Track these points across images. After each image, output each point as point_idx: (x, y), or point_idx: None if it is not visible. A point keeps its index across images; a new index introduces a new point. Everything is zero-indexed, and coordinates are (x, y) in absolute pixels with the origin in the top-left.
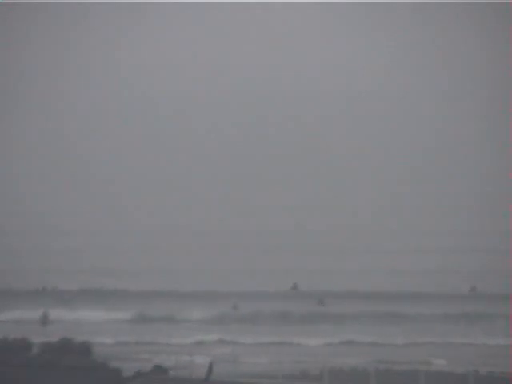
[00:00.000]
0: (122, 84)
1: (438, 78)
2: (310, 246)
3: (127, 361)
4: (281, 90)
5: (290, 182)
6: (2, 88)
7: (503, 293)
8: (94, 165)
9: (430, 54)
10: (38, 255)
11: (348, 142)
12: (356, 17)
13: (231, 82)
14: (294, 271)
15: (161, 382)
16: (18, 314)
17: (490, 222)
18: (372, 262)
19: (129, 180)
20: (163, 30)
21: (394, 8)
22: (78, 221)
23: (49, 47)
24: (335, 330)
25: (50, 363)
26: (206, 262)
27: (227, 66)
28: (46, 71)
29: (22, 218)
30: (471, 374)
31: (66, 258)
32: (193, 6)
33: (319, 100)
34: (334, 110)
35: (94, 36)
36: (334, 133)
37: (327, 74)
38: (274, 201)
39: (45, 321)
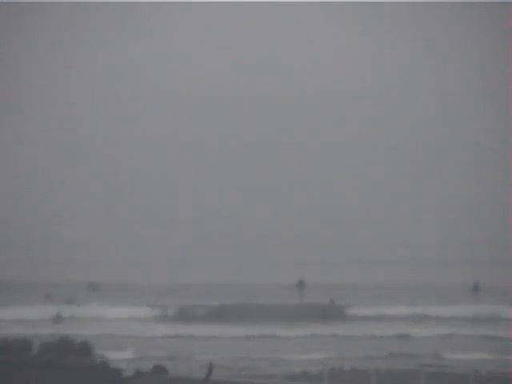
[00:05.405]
0: (123, 84)
1: (437, 79)
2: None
3: None
4: (280, 89)
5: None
6: (2, 88)
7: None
8: (95, 165)
9: (430, 54)
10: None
11: (348, 143)
12: (355, 16)
13: (232, 81)
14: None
15: (161, 381)
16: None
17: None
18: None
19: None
20: (169, 28)
21: (393, 8)
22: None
23: (50, 47)
24: None
25: (50, 363)
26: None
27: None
28: (46, 71)
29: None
30: (471, 374)
31: None
32: (194, 6)
33: (318, 100)
34: (333, 110)
35: (95, 36)
36: (333, 133)
37: (326, 74)
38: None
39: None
